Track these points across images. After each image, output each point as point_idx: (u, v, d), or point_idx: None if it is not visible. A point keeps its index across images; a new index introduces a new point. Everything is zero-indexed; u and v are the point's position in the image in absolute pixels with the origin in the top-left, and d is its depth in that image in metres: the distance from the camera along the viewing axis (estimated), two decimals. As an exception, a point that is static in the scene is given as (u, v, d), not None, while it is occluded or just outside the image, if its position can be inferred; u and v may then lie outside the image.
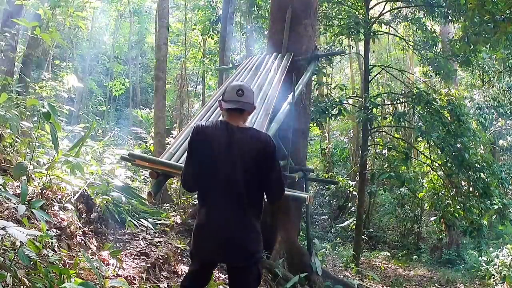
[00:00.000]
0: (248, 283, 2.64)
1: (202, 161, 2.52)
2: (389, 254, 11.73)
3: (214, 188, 2.50)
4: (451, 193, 9.15)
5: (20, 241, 2.66)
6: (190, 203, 8.82)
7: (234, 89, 2.56)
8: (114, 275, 3.50)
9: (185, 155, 3.44)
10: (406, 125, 10.57)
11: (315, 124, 10.56)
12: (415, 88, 9.64)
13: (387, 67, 12.41)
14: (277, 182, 2.57)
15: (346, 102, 11.50)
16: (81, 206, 4.49)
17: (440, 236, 12.40)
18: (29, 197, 3.60)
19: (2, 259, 2.64)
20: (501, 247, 9.56)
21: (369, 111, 9.31)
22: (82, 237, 4.05)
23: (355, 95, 13.72)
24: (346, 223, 13.16)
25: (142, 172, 8.67)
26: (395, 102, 11.46)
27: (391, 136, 12.39)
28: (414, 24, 10.63)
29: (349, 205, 14.51)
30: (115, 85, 19.32)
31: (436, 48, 10.70)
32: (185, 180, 2.64)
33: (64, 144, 5.45)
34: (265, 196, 2.64)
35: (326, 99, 10.46)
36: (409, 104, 9.65)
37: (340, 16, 10.83)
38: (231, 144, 2.48)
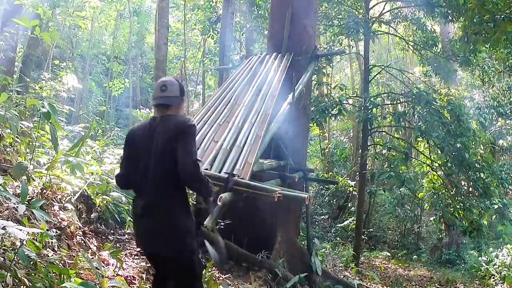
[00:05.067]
0: (178, 275, 2.62)
1: (131, 159, 2.64)
2: (389, 254, 11.72)
3: (139, 180, 2.57)
4: (451, 193, 9.14)
5: (20, 241, 2.66)
6: (190, 203, 8.81)
7: (158, 86, 2.70)
8: (114, 275, 3.50)
9: None
10: (406, 125, 10.56)
11: (315, 124, 10.55)
12: (415, 88, 9.63)
13: (387, 67, 12.41)
14: (183, 157, 2.46)
15: (346, 102, 11.49)
16: (81, 206, 4.49)
17: (440, 236, 12.38)
18: (29, 197, 3.60)
19: (2, 259, 2.64)
20: (501, 247, 9.55)
21: (369, 111, 9.30)
22: (82, 237, 4.05)
23: (355, 95, 13.70)
24: (346, 223, 13.15)
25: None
26: (395, 102, 11.46)
27: (391, 136, 12.38)
28: (414, 24, 10.62)
29: (349, 205, 14.49)
30: (114, 85, 19.32)
31: (436, 48, 10.69)
32: (116, 179, 2.80)
33: (64, 144, 5.45)
34: None
35: (326, 99, 10.46)
36: (409, 104, 9.64)
37: (340, 16, 10.82)
38: (152, 134, 2.57)
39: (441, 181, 9.72)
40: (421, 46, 10.68)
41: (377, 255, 11.69)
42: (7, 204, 3.44)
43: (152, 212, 2.52)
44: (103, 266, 3.55)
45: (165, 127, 2.56)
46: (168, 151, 2.49)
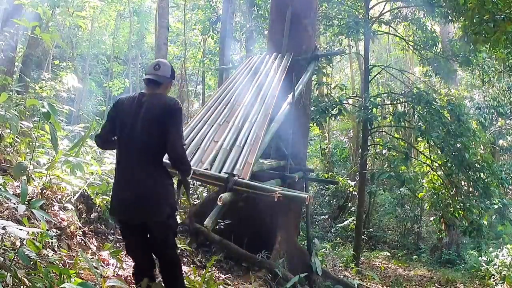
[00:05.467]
0: (162, 237, 2.80)
1: (113, 125, 2.84)
2: (389, 254, 11.72)
3: (123, 149, 2.80)
4: (451, 193, 9.14)
5: (20, 241, 2.66)
6: (190, 203, 8.81)
7: (152, 64, 2.90)
8: (113, 275, 3.49)
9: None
10: (406, 125, 10.55)
11: (315, 124, 10.54)
12: (415, 88, 9.63)
13: (387, 67, 12.40)
14: (174, 140, 2.68)
15: (346, 102, 11.48)
16: (81, 206, 4.49)
17: (440, 236, 12.38)
18: (29, 197, 3.60)
19: (2, 259, 2.63)
20: (501, 247, 9.55)
21: (369, 111, 9.30)
22: (82, 237, 4.05)
23: (355, 95, 13.70)
24: (346, 223, 13.14)
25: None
26: (395, 102, 11.45)
27: (391, 136, 12.38)
28: (414, 24, 10.62)
29: (349, 205, 14.49)
30: (114, 85, 19.31)
31: (436, 48, 10.69)
32: (95, 139, 3.04)
33: (64, 144, 5.44)
34: None
35: (326, 99, 10.45)
36: (409, 104, 9.64)
37: (340, 16, 10.82)
38: (139, 109, 2.74)
39: (441, 181, 9.72)
40: (421, 46, 10.67)
41: (377, 255, 11.69)
42: (7, 204, 3.44)
43: (133, 180, 2.71)
44: (103, 266, 3.55)
45: (153, 105, 2.73)
46: (155, 128, 2.69)
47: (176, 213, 2.88)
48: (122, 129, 2.78)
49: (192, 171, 2.95)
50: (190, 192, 9.54)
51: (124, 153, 2.79)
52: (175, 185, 3.02)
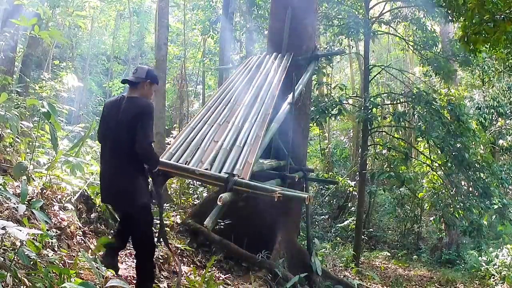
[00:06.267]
0: (134, 227, 3.23)
1: (101, 126, 3.31)
2: (389, 254, 11.72)
3: (105, 146, 3.26)
4: (451, 193, 9.14)
5: (20, 241, 2.66)
6: (190, 203, 8.82)
7: (133, 69, 3.42)
8: (114, 275, 3.49)
9: (185, 154, 3.96)
10: (406, 125, 10.56)
11: (315, 124, 10.54)
12: (415, 88, 9.63)
13: (387, 67, 12.40)
14: (140, 138, 3.03)
15: (346, 102, 11.48)
16: (81, 206, 4.49)
17: (440, 236, 12.39)
18: (29, 197, 3.60)
19: (2, 259, 2.63)
20: (501, 247, 9.55)
21: (369, 111, 9.30)
22: (82, 237, 4.05)
23: (355, 95, 13.69)
24: (346, 223, 13.14)
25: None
26: (395, 102, 11.46)
27: (391, 136, 12.38)
28: (414, 24, 10.62)
29: (349, 205, 14.49)
30: (114, 85, 19.30)
31: (436, 48, 10.68)
32: (98, 138, 3.46)
33: (64, 144, 5.45)
34: None
35: (326, 99, 10.45)
36: (409, 104, 9.64)
37: (340, 16, 10.82)
38: (118, 111, 3.16)
39: (441, 181, 9.72)
40: (421, 46, 10.67)
41: (377, 255, 11.68)
42: (7, 204, 3.44)
43: (110, 175, 3.17)
44: (103, 266, 3.55)
45: (129, 108, 3.13)
46: (128, 129, 3.06)
47: (149, 206, 3.25)
48: (105, 129, 3.25)
49: (158, 165, 3.34)
50: (191, 192, 9.56)
51: (105, 150, 3.25)
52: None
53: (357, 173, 12.31)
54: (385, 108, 13.15)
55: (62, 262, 3.24)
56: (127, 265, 3.98)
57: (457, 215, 8.70)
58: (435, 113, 8.58)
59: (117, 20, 20.51)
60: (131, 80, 3.24)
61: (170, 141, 9.30)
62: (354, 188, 13.37)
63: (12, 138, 4.54)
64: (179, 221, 6.13)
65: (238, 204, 4.68)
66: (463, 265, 10.62)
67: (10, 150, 4.49)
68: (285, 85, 5.46)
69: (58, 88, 6.20)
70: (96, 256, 3.39)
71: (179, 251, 4.88)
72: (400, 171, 9.19)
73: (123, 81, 3.35)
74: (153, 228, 3.38)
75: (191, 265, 4.77)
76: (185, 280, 3.95)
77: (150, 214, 3.27)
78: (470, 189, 9.15)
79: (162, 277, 4.07)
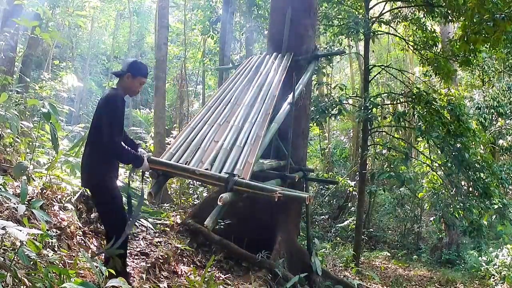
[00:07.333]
0: (96, 205, 3.65)
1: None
2: (389, 254, 11.72)
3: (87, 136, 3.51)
4: (451, 193, 9.14)
5: (20, 241, 2.66)
6: (190, 203, 8.82)
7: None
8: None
9: (186, 154, 3.96)
10: (406, 125, 10.55)
11: (315, 124, 10.53)
12: (415, 88, 9.62)
13: (387, 67, 12.40)
14: (105, 132, 3.14)
15: (346, 102, 11.48)
16: (81, 206, 4.49)
17: (440, 236, 12.38)
18: (29, 197, 3.60)
19: (2, 259, 2.63)
20: (501, 247, 9.55)
21: (369, 111, 9.29)
22: (82, 237, 4.05)
23: (355, 95, 13.68)
24: (346, 223, 13.14)
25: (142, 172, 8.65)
26: (395, 102, 11.45)
27: (391, 136, 12.37)
28: (414, 24, 10.61)
29: (349, 205, 14.49)
30: (114, 84, 19.28)
31: (436, 48, 10.67)
32: None
33: (64, 144, 5.45)
34: None
35: (326, 99, 10.45)
36: (409, 104, 9.63)
37: (340, 16, 10.81)
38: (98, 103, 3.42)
39: (441, 181, 9.71)
40: (421, 46, 10.66)
41: (377, 255, 11.68)
42: (7, 204, 3.44)
43: (84, 166, 3.38)
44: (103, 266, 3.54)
45: (100, 100, 3.35)
46: (97, 120, 3.25)
47: (106, 184, 3.32)
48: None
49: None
50: (191, 192, 9.55)
51: (87, 139, 3.46)
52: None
53: (357, 173, 12.31)
54: (385, 108, 13.15)
55: (62, 262, 3.24)
56: (127, 265, 3.97)
57: (457, 215, 8.69)
58: (435, 113, 8.57)
59: (117, 20, 20.52)
60: (116, 72, 3.47)
61: (170, 141, 9.31)
62: (354, 188, 13.37)
63: (12, 138, 4.54)
64: (179, 221, 6.13)
65: (238, 204, 4.68)
66: (463, 265, 10.62)
67: (10, 150, 4.50)
68: (285, 85, 5.45)
69: (58, 88, 6.20)
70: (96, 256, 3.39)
71: (179, 251, 4.87)
72: (400, 171, 9.18)
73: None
74: (118, 207, 3.39)
75: (191, 265, 4.77)
76: (185, 280, 3.95)
77: (108, 192, 3.32)
78: (470, 189, 9.14)
79: (162, 277, 4.07)
